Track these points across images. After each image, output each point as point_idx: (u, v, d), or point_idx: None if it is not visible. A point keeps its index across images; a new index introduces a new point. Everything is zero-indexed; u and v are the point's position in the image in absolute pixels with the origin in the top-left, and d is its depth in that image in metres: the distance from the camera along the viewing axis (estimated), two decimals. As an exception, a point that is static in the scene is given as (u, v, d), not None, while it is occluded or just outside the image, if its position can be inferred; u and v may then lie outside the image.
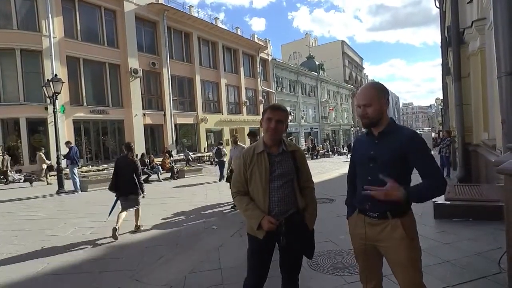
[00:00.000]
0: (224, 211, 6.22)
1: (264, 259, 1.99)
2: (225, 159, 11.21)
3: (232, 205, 6.07)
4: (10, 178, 13.34)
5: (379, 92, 1.73)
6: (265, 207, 1.91)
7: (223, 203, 7.19)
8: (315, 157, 25.90)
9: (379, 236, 1.72)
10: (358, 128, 48.79)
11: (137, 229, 5.18)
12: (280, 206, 1.92)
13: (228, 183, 6.38)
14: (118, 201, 5.09)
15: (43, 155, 13.12)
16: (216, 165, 12.94)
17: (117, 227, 4.70)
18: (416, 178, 1.71)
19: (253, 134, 6.05)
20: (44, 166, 13.04)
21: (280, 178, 1.94)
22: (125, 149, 5.30)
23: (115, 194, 5.07)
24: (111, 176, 5.25)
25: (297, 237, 1.95)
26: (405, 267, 1.67)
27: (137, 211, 5.19)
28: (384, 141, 1.73)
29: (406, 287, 1.68)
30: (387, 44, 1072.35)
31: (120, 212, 4.94)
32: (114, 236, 4.63)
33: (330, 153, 30.15)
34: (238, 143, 6.49)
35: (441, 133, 16.10)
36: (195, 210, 6.69)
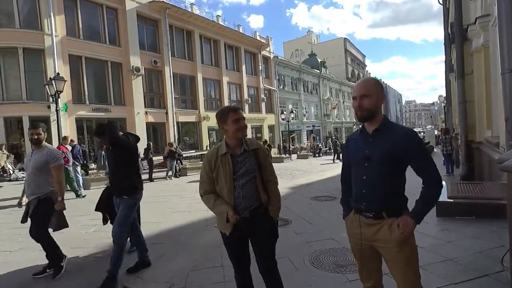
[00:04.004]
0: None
1: (237, 252, 2.17)
2: None
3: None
4: (13, 176, 13.45)
5: (377, 86, 1.72)
6: (231, 204, 2.06)
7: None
8: (317, 155, 25.96)
9: (375, 236, 1.71)
10: (360, 126, 48.47)
11: None
12: (244, 202, 2.07)
13: None
14: None
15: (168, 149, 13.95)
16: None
17: None
18: (413, 175, 1.71)
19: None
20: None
21: (243, 177, 2.08)
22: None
23: None
24: None
25: (264, 228, 2.11)
26: (402, 267, 1.67)
27: None
28: (379, 139, 1.69)
29: (404, 286, 1.68)
30: (388, 41, 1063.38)
31: None
32: None
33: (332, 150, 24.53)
34: (43, 143, 3.59)
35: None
36: (197, 207, 6.71)
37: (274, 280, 2.17)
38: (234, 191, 2.06)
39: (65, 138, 9.25)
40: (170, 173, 12.85)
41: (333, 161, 19.52)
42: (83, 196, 8.79)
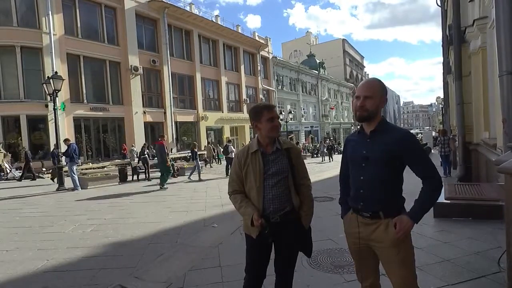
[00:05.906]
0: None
1: (260, 256, 2.02)
2: (232, 156, 11.81)
3: None
4: (10, 175, 13.38)
5: (381, 88, 1.72)
6: (259, 205, 1.95)
7: (224, 203, 7.20)
8: (315, 156, 26.08)
9: (372, 236, 1.71)
10: (358, 127, 48.71)
11: None
12: (274, 204, 1.95)
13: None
14: None
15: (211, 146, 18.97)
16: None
17: None
18: (412, 176, 1.72)
19: None
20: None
21: (274, 176, 1.96)
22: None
23: None
24: None
25: (292, 236, 1.97)
26: (397, 268, 1.66)
27: None
28: (376, 140, 1.71)
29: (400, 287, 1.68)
30: (385, 42, 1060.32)
31: None
32: None
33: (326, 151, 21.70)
34: None
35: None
36: (194, 207, 6.70)
37: (288, 284, 2.09)
38: (264, 191, 1.95)
39: (162, 136, 10.42)
40: (195, 172, 12.15)
41: (322, 160, 21.30)
42: (166, 189, 9.53)
